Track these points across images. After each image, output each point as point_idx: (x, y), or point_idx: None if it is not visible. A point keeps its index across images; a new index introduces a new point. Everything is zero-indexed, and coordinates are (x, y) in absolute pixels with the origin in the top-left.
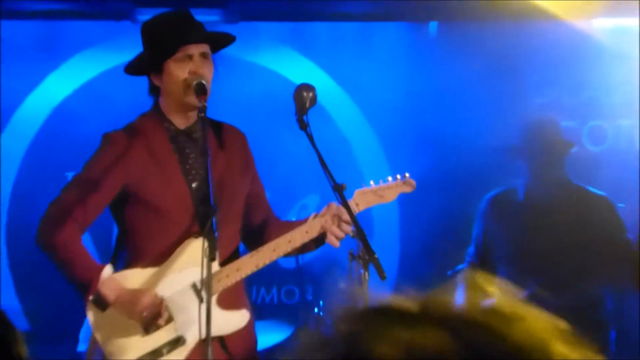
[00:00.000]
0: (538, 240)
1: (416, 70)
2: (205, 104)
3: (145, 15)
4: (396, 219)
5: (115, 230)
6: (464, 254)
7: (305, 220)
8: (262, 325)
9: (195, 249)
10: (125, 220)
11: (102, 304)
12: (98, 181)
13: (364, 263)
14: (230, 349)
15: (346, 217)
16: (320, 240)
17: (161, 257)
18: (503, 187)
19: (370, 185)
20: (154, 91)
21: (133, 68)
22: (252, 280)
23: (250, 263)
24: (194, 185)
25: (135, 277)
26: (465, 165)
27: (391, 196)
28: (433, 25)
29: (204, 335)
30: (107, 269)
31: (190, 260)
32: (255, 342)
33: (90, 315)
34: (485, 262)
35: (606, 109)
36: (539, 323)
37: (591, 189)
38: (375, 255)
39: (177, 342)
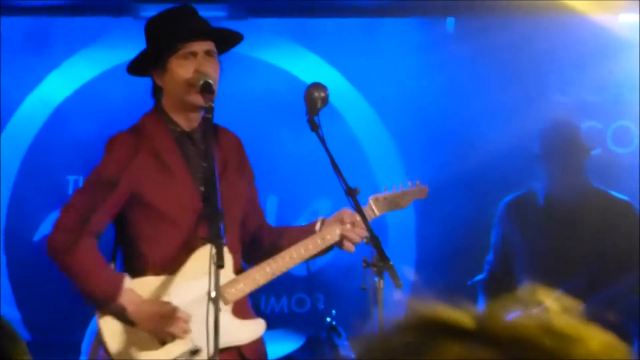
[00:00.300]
0: (559, 247)
1: (432, 68)
2: (212, 104)
3: (148, 11)
4: (412, 224)
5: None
6: (483, 261)
7: (312, 225)
8: (273, 335)
9: (207, 256)
10: (131, 225)
11: (120, 316)
12: (111, 184)
13: (378, 270)
14: (248, 358)
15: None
16: (330, 246)
17: (171, 264)
18: (521, 191)
19: (383, 191)
20: (157, 92)
21: (136, 68)
22: (262, 289)
23: (267, 272)
24: (201, 189)
25: (149, 286)
26: (484, 167)
27: (405, 203)
28: (450, 21)
29: (222, 345)
30: (127, 280)
31: (204, 267)
32: (265, 352)
33: (104, 326)
34: (505, 270)
35: (632, 109)
36: (599, 344)
37: (614, 193)
38: (391, 262)
39: (195, 352)
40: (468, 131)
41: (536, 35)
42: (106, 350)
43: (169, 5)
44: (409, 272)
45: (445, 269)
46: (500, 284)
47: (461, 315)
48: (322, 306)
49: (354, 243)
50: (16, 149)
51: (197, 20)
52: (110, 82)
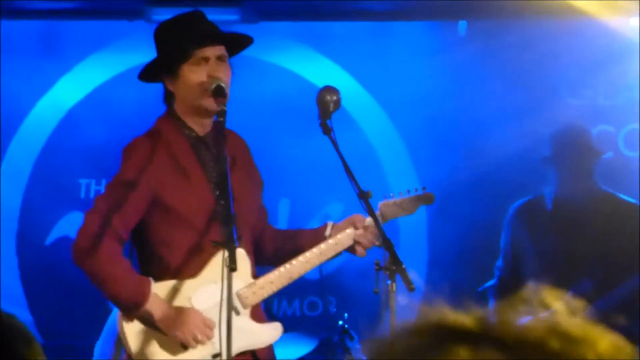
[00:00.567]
0: (567, 250)
1: (444, 72)
2: (225, 107)
3: (161, 15)
4: (424, 227)
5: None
6: (494, 267)
7: (321, 230)
8: (285, 339)
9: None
10: (149, 228)
11: (146, 321)
12: (133, 188)
13: (391, 274)
14: None
15: (373, 226)
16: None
17: (188, 267)
18: (529, 196)
19: (391, 197)
20: (169, 97)
21: (147, 75)
22: (274, 293)
23: (285, 275)
24: (217, 193)
25: (169, 291)
26: (495, 170)
27: (413, 209)
28: (462, 25)
29: (241, 348)
30: (153, 285)
31: (224, 272)
32: (274, 355)
33: (126, 329)
34: (515, 275)
35: None
36: (603, 343)
37: (622, 196)
38: (403, 266)
39: (217, 356)
40: (479, 134)
41: (548, 38)
42: (128, 353)
43: (181, 9)
44: (420, 276)
45: (457, 272)
46: (511, 289)
47: (468, 318)
48: (334, 309)
49: (365, 248)
50: (28, 153)
51: (207, 26)
52: (121, 85)
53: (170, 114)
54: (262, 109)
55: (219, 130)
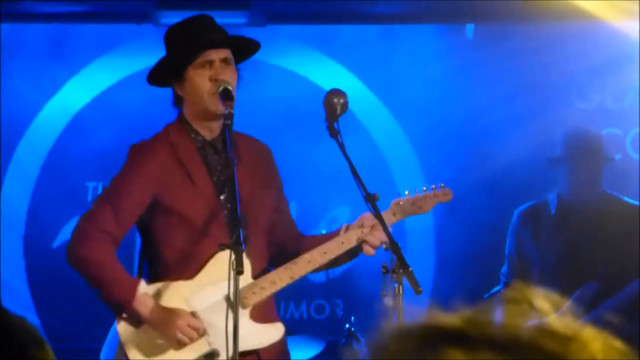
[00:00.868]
0: (572, 254)
1: (451, 75)
2: (232, 110)
3: (169, 18)
4: (431, 230)
5: (138, 243)
6: (500, 273)
7: (336, 233)
8: (292, 341)
9: (226, 260)
10: (153, 231)
11: (135, 320)
12: (128, 192)
13: (398, 277)
14: None
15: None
16: (354, 252)
17: (191, 269)
18: (533, 201)
19: (405, 195)
20: (179, 102)
21: (155, 77)
22: (281, 295)
23: (285, 275)
24: (222, 197)
25: (167, 291)
26: (503, 174)
27: (429, 206)
28: (470, 28)
29: (231, 348)
30: (142, 285)
31: (222, 272)
32: (288, 358)
33: (121, 331)
34: (521, 280)
35: None
36: (595, 343)
37: (626, 199)
38: (410, 269)
39: (211, 356)
40: (487, 137)
41: (555, 41)
42: (124, 354)
43: (189, 12)
44: (428, 279)
45: (464, 276)
46: None
47: (459, 319)
48: (341, 312)
49: (373, 247)
50: (35, 156)
51: (213, 29)
52: (129, 89)
53: (179, 119)
54: (270, 111)
55: (227, 132)
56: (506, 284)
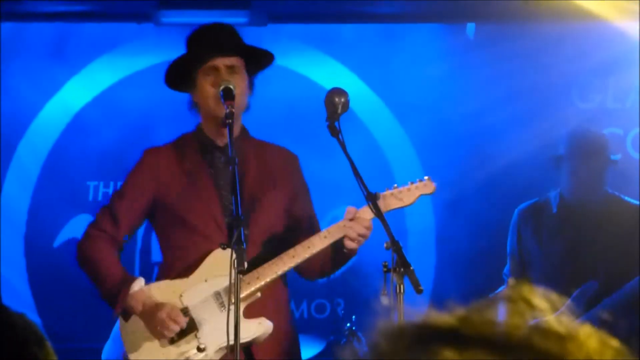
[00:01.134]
0: (573, 253)
1: (452, 74)
2: (233, 109)
3: (170, 17)
4: (432, 229)
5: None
6: (502, 273)
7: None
8: None
9: (220, 258)
10: (158, 233)
11: (128, 315)
12: (126, 194)
13: (398, 276)
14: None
15: (365, 217)
16: (344, 253)
17: (190, 269)
18: (534, 199)
19: (392, 188)
20: (194, 108)
21: (170, 81)
22: None
23: (270, 270)
24: (224, 200)
25: (163, 289)
26: (504, 173)
27: (410, 199)
28: (470, 27)
29: (224, 344)
30: (139, 282)
31: (215, 269)
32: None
33: (120, 326)
34: (523, 278)
35: None
36: (592, 342)
37: (627, 198)
38: (411, 268)
39: (199, 351)
40: (488, 137)
41: (556, 41)
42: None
43: (190, 11)
44: (428, 278)
45: (465, 275)
46: None
47: (451, 318)
48: (342, 311)
49: (351, 240)
50: (36, 155)
51: (223, 37)
52: (130, 88)
53: (197, 125)
54: (270, 110)
55: (229, 132)
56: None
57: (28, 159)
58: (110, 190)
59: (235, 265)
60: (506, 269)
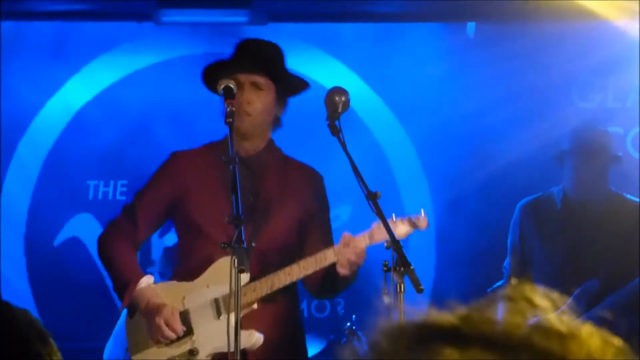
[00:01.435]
0: (575, 249)
1: (453, 73)
2: (233, 108)
3: (170, 16)
4: (432, 229)
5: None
6: (502, 267)
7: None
8: None
9: (225, 265)
10: (177, 234)
11: (132, 311)
12: (144, 196)
13: (399, 275)
14: None
15: (359, 245)
16: (337, 279)
17: (197, 274)
18: (537, 194)
19: (392, 217)
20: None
21: (206, 82)
22: None
23: (265, 285)
24: (237, 209)
25: (169, 289)
26: (505, 173)
27: (402, 233)
28: (471, 26)
29: (216, 350)
30: (147, 278)
31: (218, 276)
32: None
33: (126, 322)
34: (523, 273)
35: None
36: (593, 340)
37: (629, 196)
38: (411, 267)
39: (191, 354)
40: (488, 137)
41: (557, 41)
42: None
43: (190, 11)
44: (429, 277)
45: (465, 274)
46: None
47: (452, 317)
48: (342, 311)
49: (340, 266)
50: (36, 154)
51: (260, 56)
52: (130, 87)
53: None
54: None
55: (229, 131)
56: (508, 277)
57: (28, 158)
58: (111, 190)
59: (236, 265)
60: (506, 263)
